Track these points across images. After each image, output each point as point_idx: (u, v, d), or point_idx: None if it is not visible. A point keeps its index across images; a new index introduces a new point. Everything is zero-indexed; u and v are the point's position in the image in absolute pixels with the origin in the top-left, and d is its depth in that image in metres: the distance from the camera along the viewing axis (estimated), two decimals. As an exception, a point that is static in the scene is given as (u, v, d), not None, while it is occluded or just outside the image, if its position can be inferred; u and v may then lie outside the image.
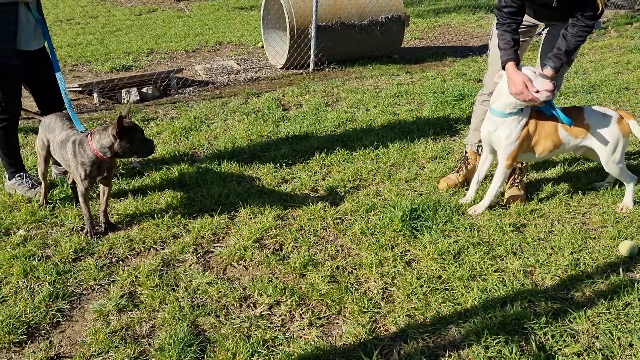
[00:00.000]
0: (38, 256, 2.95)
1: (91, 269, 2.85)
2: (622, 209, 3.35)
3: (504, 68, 3.15)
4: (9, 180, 3.61)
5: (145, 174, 3.87)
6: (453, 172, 3.79)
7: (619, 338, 2.36)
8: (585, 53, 7.34)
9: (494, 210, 3.38)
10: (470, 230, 3.17)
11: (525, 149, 3.26)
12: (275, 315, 2.54)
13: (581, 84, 5.88)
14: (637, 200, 3.43)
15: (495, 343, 2.32)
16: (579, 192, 3.58)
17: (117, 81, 5.73)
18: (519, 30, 3.20)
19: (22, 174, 3.60)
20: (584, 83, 5.90)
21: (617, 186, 3.56)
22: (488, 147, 3.41)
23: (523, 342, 2.34)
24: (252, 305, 2.61)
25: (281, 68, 6.90)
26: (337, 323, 2.50)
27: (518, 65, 3.10)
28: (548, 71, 3.11)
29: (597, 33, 8.54)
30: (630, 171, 3.37)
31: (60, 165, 3.74)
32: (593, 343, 2.34)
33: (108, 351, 2.33)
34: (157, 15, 10.80)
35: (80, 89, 5.58)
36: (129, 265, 2.91)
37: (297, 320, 2.51)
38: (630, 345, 2.33)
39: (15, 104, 3.39)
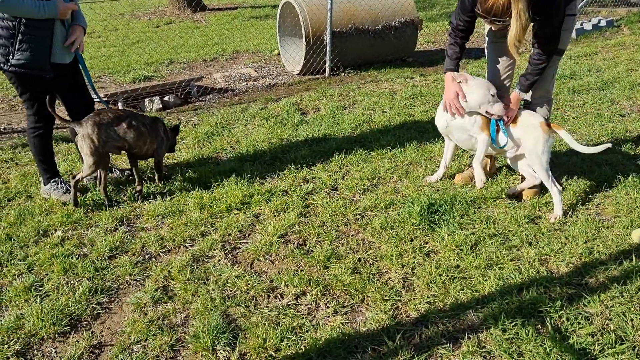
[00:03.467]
0: (76, 255, 3.13)
1: (126, 266, 3.02)
2: (554, 218, 3.30)
3: (445, 72, 3.48)
4: (45, 185, 3.80)
5: (172, 177, 4.04)
6: (468, 168, 3.91)
7: (632, 319, 2.46)
8: (598, 51, 7.40)
9: (509, 203, 3.49)
10: (486, 223, 3.28)
11: None
12: (301, 304, 2.68)
13: (594, 81, 5.95)
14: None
15: (512, 326, 2.43)
16: (593, 184, 3.67)
17: (140, 90, 5.95)
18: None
19: (56, 179, 3.79)
20: (597, 80, 5.98)
21: (630, 177, 3.65)
22: (447, 137, 3.66)
23: (539, 325, 2.45)
24: (279, 295, 2.75)
25: (297, 74, 7.07)
26: (360, 310, 2.63)
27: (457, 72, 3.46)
28: (514, 95, 3.36)
29: (610, 31, 8.60)
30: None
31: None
32: (607, 325, 2.45)
33: (146, 339, 2.49)
34: (174, 26, 11.07)
35: (106, 99, 5.79)
36: (162, 262, 3.08)
37: (322, 309, 2.65)
38: (643, 326, 2.43)
39: (51, 113, 3.59)
